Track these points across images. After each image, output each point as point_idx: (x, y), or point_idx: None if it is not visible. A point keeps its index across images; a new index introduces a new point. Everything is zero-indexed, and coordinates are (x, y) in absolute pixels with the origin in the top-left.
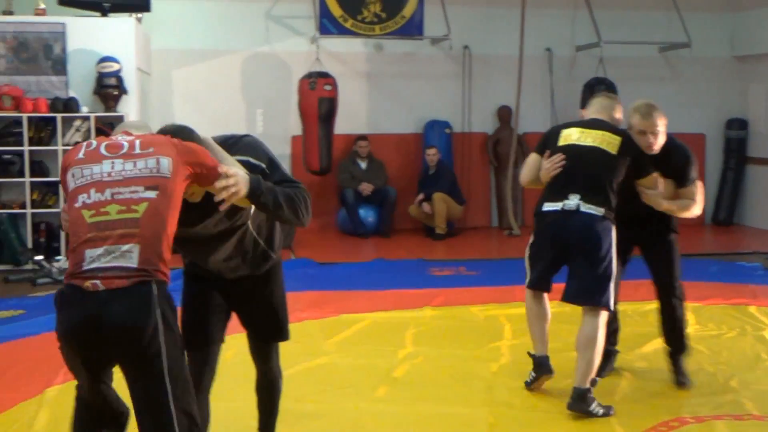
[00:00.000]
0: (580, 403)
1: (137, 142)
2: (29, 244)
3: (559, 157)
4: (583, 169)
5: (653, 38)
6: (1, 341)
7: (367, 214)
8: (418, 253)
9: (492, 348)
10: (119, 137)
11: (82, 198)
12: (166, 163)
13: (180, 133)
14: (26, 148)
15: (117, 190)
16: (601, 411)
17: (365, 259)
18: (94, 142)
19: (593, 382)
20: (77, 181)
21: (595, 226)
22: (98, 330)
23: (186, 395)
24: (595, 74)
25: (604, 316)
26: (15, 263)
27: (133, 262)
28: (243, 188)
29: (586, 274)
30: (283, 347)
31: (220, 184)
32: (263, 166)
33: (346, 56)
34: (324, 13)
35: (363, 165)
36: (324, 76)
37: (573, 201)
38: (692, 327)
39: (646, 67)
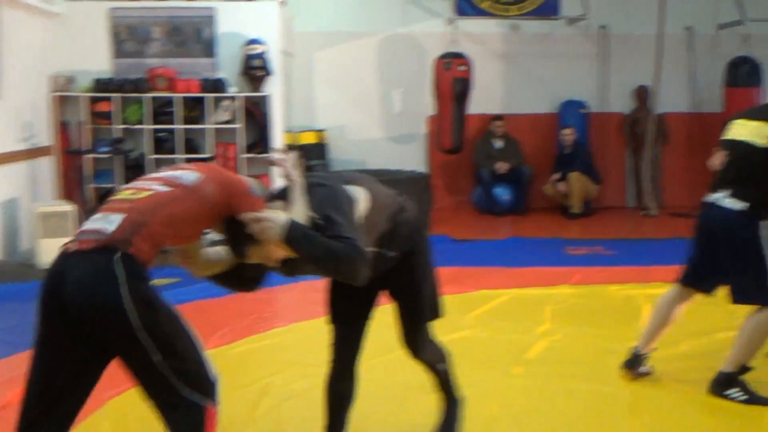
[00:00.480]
0: (718, 386)
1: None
2: None
3: (722, 155)
4: (734, 164)
5: None
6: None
7: (502, 193)
8: (554, 232)
9: (631, 328)
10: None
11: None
12: (192, 176)
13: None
14: (178, 126)
15: (139, 184)
16: (742, 397)
17: (501, 236)
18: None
19: (744, 370)
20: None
21: (731, 220)
22: (58, 293)
23: (186, 363)
24: (739, 53)
25: None
26: None
27: (111, 227)
28: (275, 229)
29: (735, 272)
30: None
31: (248, 217)
32: (319, 219)
33: (482, 37)
34: None
35: (498, 144)
36: (459, 56)
37: (717, 195)
38: None
39: None
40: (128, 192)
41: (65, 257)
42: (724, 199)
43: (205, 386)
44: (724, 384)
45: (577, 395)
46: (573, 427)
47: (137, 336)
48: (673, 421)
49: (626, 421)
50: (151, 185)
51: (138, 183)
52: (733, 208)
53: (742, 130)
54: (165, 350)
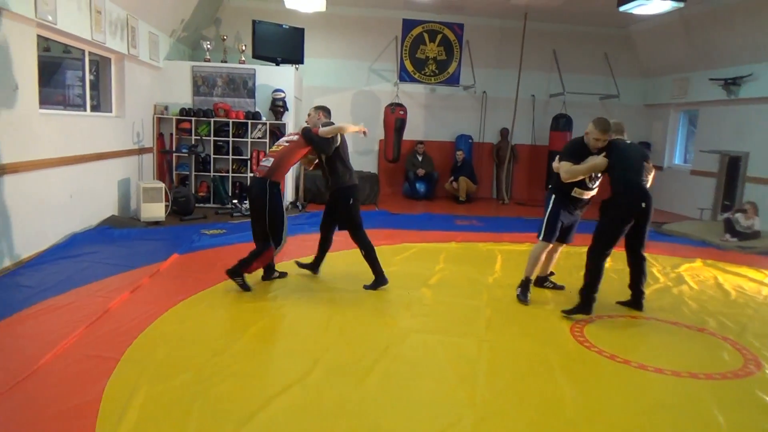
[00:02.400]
0: (519, 288)
1: (293, 134)
2: (230, 193)
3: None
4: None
5: (597, 91)
6: (212, 247)
7: (420, 187)
8: (449, 211)
9: (489, 267)
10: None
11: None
12: (295, 137)
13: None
14: (230, 139)
15: (279, 142)
16: (521, 295)
17: (418, 212)
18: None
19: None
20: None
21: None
22: (253, 194)
23: (274, 230)
24: (560, 112)
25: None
26: (221, 203)
27: (267, 164)
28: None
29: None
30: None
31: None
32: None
33: (413, 94)
34: (402, 68)
35: (420, 158)
36: (399, 105)
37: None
38: (608, 264)
39: (591, 108)
40: (276, 147)
41: (253, 178)
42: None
43: (277, 240)
44: (522, 286)
45: (457, 306)
46: (452, 321)
47: (267, 212)
48: (513, 320)
49: (483, 318)
50: (281, 143)
51: (279, 141)
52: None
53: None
54: (270, 220)
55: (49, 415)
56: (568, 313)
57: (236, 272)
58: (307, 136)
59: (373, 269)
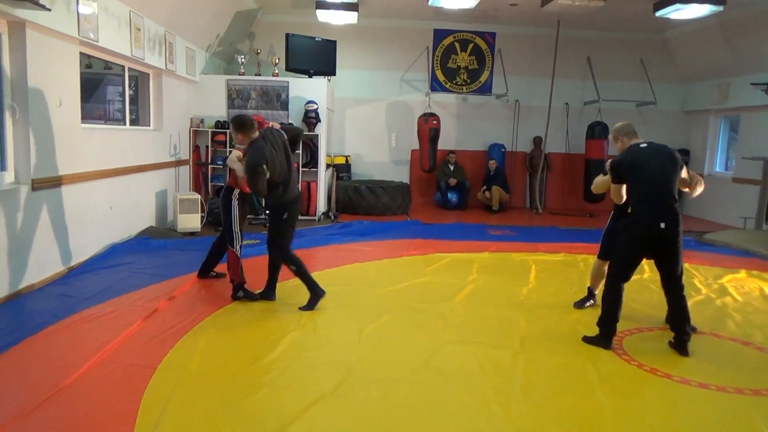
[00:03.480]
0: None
1: None
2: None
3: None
4: None
5: (633, 98)
6: (246, 257)
7: (452, 196)
8: (481, 220)
9: (524, 278)
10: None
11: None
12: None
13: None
14: None
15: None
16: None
17: (450, 222)
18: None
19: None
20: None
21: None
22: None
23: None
24: (596, 119)
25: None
26: (255, 214)
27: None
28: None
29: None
30: (401, 270)
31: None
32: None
33: (445, 104)
34: (433, 78)
35: (452, 167)
36: (432, 115)
37: None
38: (647, 274)
39: (628, 115)
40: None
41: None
42: None
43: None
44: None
45: (489, 316)
46: (486, 332)
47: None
48: (548, 332)
49: (517, 330)
50: None
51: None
52: None
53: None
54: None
55: (88, 423)
56: (588, 341)
57: (236, 290)
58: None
59: (307, 285)
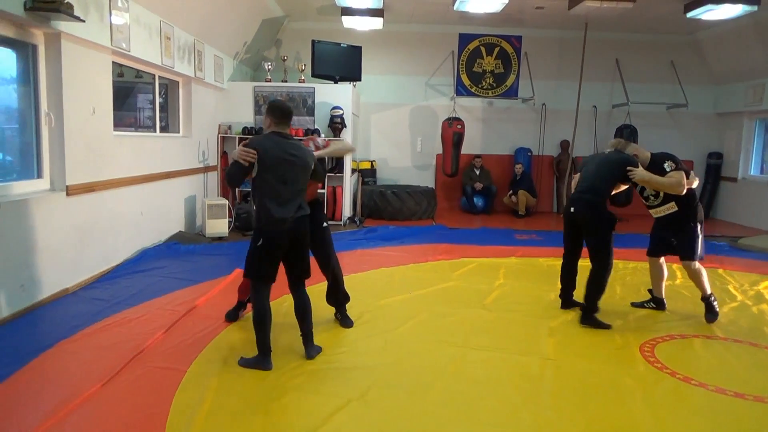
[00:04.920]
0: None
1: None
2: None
3: None
4: None
5: (663, 100)
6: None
7: (478, 201)
8: (508, 225)
9: (551, 284)
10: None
11: None
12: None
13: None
14: None
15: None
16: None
17: (476, 226)
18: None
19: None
20: None
21: None
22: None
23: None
24: (624, 122)
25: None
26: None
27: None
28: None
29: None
30: (427, 275)
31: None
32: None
33: (470, 108)
34: (459, 83)
35: (477, 171)
36: (457, 119)
37: None
38: (680, 280)
39: (658, 118)
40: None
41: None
42: None
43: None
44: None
45: (517, 321)
46: (513, 338)
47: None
48: (577, 338)
49: (545, 336)
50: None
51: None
52: None
53: None
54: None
55: (119, 426)
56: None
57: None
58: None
59: (257, 340)
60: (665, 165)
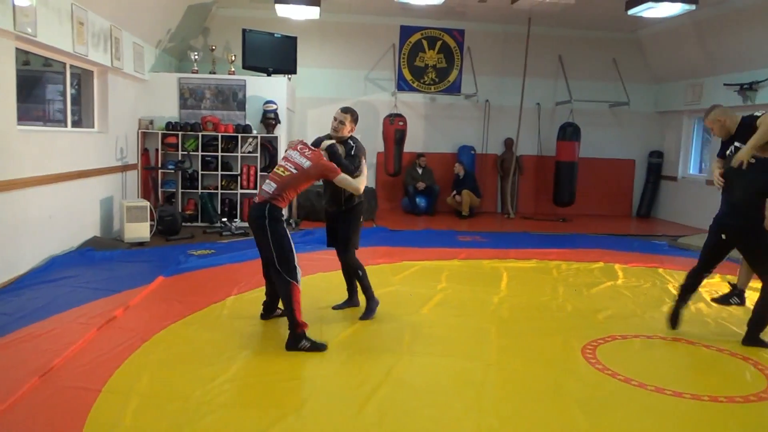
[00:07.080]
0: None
1: (306, 150)
2: (219, 211)
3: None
4: None
5: (606, 98)
6: (201, 268)
7: (421, 201)
8: (451, 226)
9: (495, 286)
10: (299, 146)
11: (279, 163)
12: (307, 163)
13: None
14: (219, 154)
15: (286, 164)
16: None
17: (418, 228)
18: (292, 149)
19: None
20: (282, 157)
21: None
22: (251, 221)
23: (284, 261)
24: (567, 120)
25: None
26: (210, 222)
27: (270, 190)
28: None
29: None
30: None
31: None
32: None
33: (412, 104)
34: (400, 77)
35: (420, 171)
36: (398, 116)
37: None
38: (621, 280)
39: (600, 116)
40: (280, 170)
41: (253, 204)
42: None
43: (292, 272)
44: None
45: (461, 328)
46: (454, 341)
47: (270, 238)
48: (521, 342)
49: (488, 340)
50: (288, 167)
51: (283, 163)
52: None
53: None
54: (276, 249)
55: None
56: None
57: (297, 339)
58: (338, 162)
59: (365, 294)
60: (755, 116)
